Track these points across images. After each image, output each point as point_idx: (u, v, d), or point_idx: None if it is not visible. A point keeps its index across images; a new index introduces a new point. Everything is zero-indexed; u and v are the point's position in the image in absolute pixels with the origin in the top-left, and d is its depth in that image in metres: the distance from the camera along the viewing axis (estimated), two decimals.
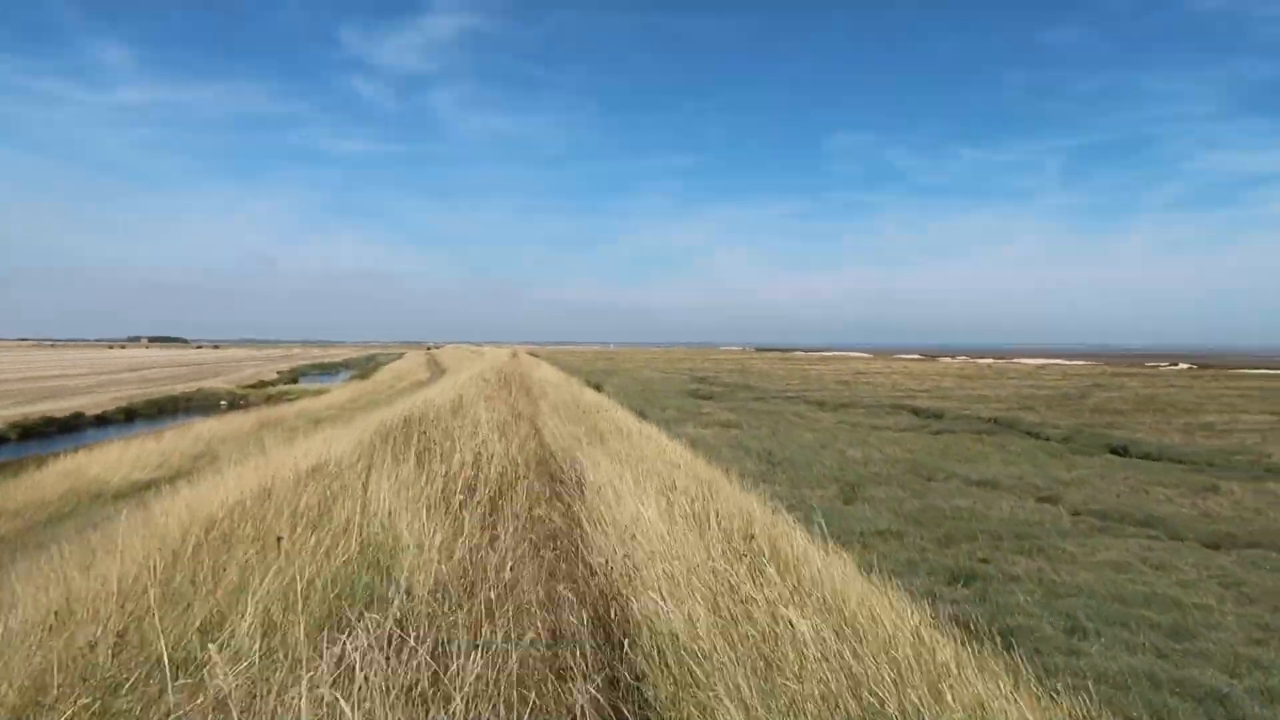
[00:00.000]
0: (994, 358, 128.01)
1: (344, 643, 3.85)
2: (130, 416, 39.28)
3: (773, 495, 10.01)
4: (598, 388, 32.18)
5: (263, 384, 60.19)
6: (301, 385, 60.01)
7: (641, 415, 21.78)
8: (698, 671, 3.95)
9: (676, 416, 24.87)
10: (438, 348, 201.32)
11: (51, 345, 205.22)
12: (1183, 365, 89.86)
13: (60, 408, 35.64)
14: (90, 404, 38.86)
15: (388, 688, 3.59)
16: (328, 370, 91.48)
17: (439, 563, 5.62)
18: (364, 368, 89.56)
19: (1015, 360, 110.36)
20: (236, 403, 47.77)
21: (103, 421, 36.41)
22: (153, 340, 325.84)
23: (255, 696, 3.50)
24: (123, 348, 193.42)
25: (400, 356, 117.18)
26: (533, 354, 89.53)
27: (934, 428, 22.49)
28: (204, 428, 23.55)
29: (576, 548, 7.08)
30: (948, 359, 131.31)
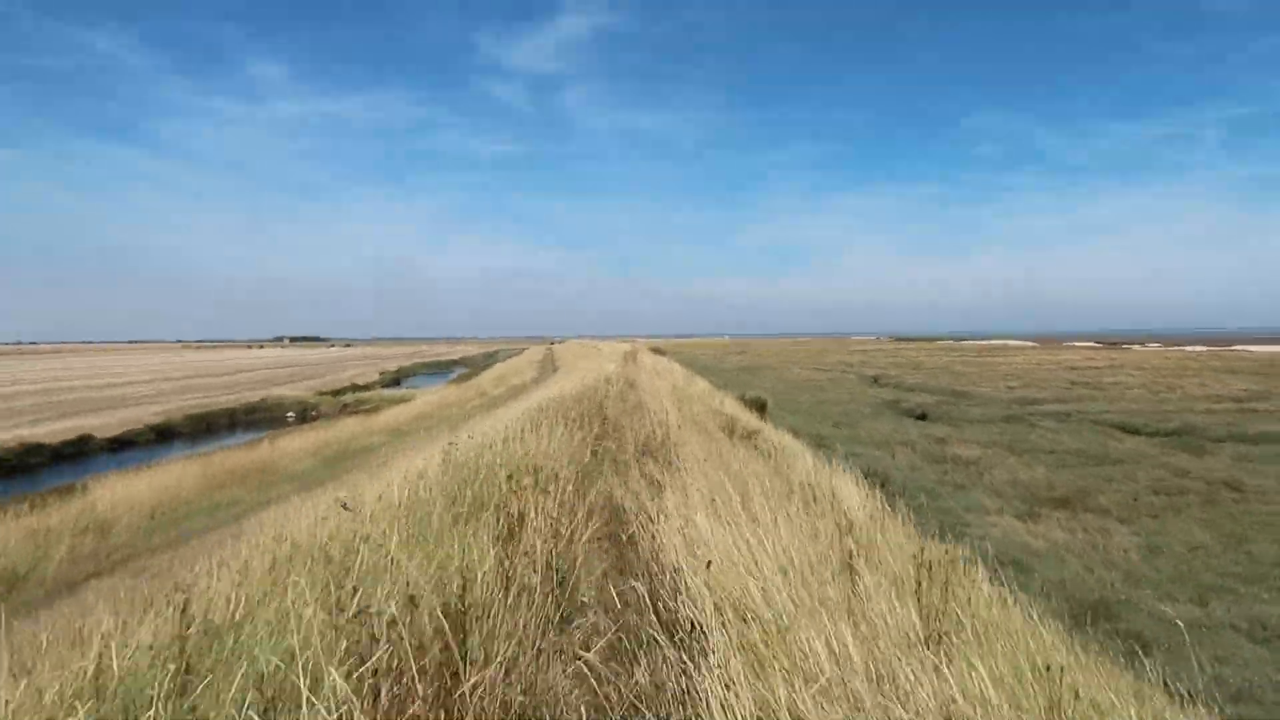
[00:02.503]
0: (1203, 344, 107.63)
1: None
2: (166, 435, 31.55)
3: None
4: (760, 407, 21.15)
5: (355, 387, 53.24)
6: (391, 391, 52.21)
7: (883, 484, 10.92)
8: None
9: (927, 472, 13.71)
10: (560, 343, 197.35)
11: (198, 347, 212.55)
12: None
13: (65, 429, 28.04)
14: (119, 421, 31.38)
15: None
16: (438, 369, 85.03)
17: None
18: (475, 366, 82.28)
19: (1234, 348, 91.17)
20: (306, 413, 40.09)
21: (120, 445, 28.61)
22: (294, 340, 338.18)
23: None
24: (260, 348, 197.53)
25: (520, 353, 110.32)
26: (656, 350, 79.23)
27: None
28: (111, 489, 14.29)
29: None
30: (1136, 346, 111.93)
